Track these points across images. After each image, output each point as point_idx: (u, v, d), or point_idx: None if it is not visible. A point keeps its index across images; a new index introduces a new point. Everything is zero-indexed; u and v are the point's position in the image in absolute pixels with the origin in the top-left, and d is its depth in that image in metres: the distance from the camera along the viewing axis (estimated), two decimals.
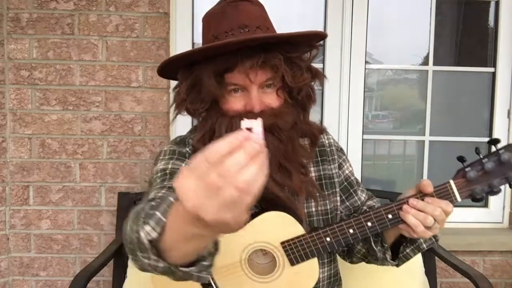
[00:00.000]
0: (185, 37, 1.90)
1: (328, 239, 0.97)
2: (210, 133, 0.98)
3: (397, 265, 1.06)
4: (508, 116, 2.02)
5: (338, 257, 1.21)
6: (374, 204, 1.17)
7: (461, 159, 0.94)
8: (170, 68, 1.00)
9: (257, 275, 1.02)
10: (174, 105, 1.02)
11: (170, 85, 1.85)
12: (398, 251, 1.05)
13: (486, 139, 2.02)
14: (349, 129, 1.98)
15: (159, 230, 0.65)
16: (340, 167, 1.16)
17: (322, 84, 1.02)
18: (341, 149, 1.19)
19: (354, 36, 1.94)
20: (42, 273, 1.89)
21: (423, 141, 2.05)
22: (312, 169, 1.09)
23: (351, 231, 0.97)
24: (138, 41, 1.82)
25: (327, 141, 1.15)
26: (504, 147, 0.93)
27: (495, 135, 2.03)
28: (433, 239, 1.03)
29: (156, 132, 1.86)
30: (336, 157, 1.15)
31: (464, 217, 2.06)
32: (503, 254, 1.98)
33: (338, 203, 1.13)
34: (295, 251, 0.98)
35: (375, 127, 2.17)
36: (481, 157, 0.93)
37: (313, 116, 2.08)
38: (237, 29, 0.93)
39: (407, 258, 1.03)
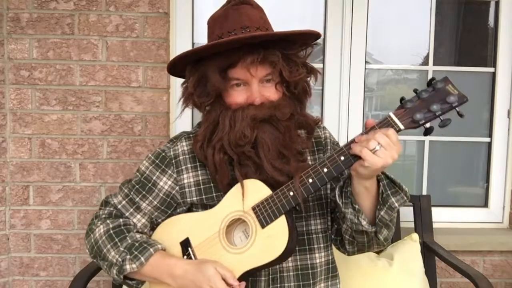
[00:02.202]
0: (185, 37, 1.90)
1: (291, 193, 1.01)
2: (214, 124, 1.07)
3: (376, 233, 1.05)
4: (508, 116, 2.02)
5: (335, 251, 1.23)
6: None
7: (401, 99, 0.98)
8: (178, 66, 1.12)
9: (232, 246, 1.05)
10: (182, 100, 1.13)
11: (170, 85, 1.85)
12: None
13: (487, 139, 2.04)
14: (349, 129, 1.98)
15: (139, 268, 1.04)
16: None
17: (316, 79, 1.13)
18: (337, 143, 1.26)
19: (354, 36, 1.94)
20: (42, 273, 1.89)
21: (423, 141, 2.05)
22: (308, 157, 1.17)
23: (310, 180, 1.00)
24: (138, 41, 1.82)
25: (323, 135, 1.23)
26: (439, 79, 0.96)
27: (495, 135, 2.03)
28: (404, 197, 1.02)
29: (156, 132, 1.86)
30: (329, 148, 1.22)
31: (464, 217, 2.06)
32: (503, 254, 1.98)
33: (328, 191, 1.19)
34: (263, 212, 1.02)
35: None
36: (417, 91, 0.97)
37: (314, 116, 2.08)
38: (239, 29, 1.03)
39: (383, 222, 1.03)
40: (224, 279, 0.99)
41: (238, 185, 1.04)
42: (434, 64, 2.02)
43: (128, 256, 1.04)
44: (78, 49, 1.81)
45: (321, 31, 1.93)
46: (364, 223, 1.02)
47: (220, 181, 1.07)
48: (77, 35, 1.81)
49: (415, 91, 0.97)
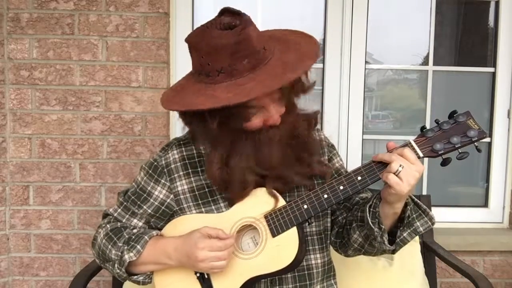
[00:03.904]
0: (185, 37, 1.89)
1: (305, 206, 1.02)
2: (230, 147, 1.03)
3: (394, 251, 1.07)
4: (508, 116, 2.02)
5: (332, 251, 1.23)
6: (367, 195, 1.20)
7: (422, 127, 1.01)
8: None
9: (241, 251, 1.05)
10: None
11: (170, 85, 1.85)
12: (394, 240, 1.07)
13: (487, 139, 2.04)
14: (349, 129, 1.98)
15: (137, 256, 1.06)
16: (330, 160, 1.21)
17: (307, 91, 1.10)
18: (332, 145, 1.26)
19: (354, 36, 1.94)
20: (42, 273, 1.89)
21: None
22: None
23: (325, 196, 1.02)
24: (138, 41, 1.82)
25: (318, 137, 1.21)
26: (460, 113, 0.99)
27: (495, 135, 2.03)
28: (429, 222, 1.05)
29: (156, 132, 1.86)
30: (326, 150, 1.21)
31: (464, 217, 2.06)
32: (503, 254, 1.98)
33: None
34: (276, 221, 1.03)
35: (375, 127, 2.17)
36: (438, 122, 1.00)
37: None
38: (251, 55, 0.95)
39: (404, 242, 1.05)
40: (217, 236, 1.00)
41: (253, 192, 1.04)
42: (434, 64, 2.02)
43: (125, 247, 1.06)
44: (78, 49, 1.81)
45: (321, 31, 1.96)
46: (386, 242, 1.03)
47: (235, 199, 1.06)
48: (77, 35, 1.81)
49: (436, 121, 1.00)
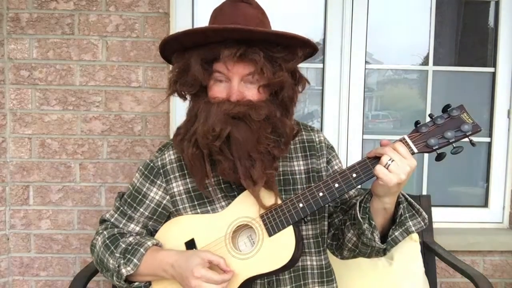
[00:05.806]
0: None
1: (300, 204, 1.02)
2: (194, 118, 1.04)
3: (385, 250, 1.06)
4: (508, 116, 2.02)
5: (329, 254, 1.22)
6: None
7: (416, 122, 1.00)
8: (168, 52, 1.09)
9: (237, 252, 1.05)
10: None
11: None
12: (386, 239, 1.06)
13: (487, 139, 2.04)
14: (349, 129, 1.98)
15: (135, 270, 1.05)
16: (328, 162, 1.21)
17: (303, 89, 1.08)
18: (332, 147, 1.24)
19: (354, 36, 1.94)
20: (42, 273, 1.89)
21: None
22: (301, 162, 1.17)
23: (320, 194, 1.01)
24: (138, 41, 1.82)
25: (317, 139, 1.20)
26: (454, 107, 0.98)
27: (495, 135, 2.03)
28: (422, 223, 1.04)
29: (156, 132, 1.86)
30: (325, 152, 1.20)
31: (464, 217, 2.06)
32: (503, 254, 1.98)
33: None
34: (272, 220, 1.03)
35: (375, 127, 2.17)
36: (432, 117, 0.99)
37: (314, 115, 2.09)
38: (229, 25, 0.99)
39: (395, 242, 1.05)
40: (218, 265, 0.99)
41: (248, 192, 1.03)
42: (434, 64, 2.03)
43: (122, 261, 1.07)
44: (78, 49, 1.81)
45: (321, 31, 1.96)
46: (377, 239, 1.03)
47: (195, 176, 1.06)
48: (77, 35, 1.81)
49: (430, 116, 0.99)
